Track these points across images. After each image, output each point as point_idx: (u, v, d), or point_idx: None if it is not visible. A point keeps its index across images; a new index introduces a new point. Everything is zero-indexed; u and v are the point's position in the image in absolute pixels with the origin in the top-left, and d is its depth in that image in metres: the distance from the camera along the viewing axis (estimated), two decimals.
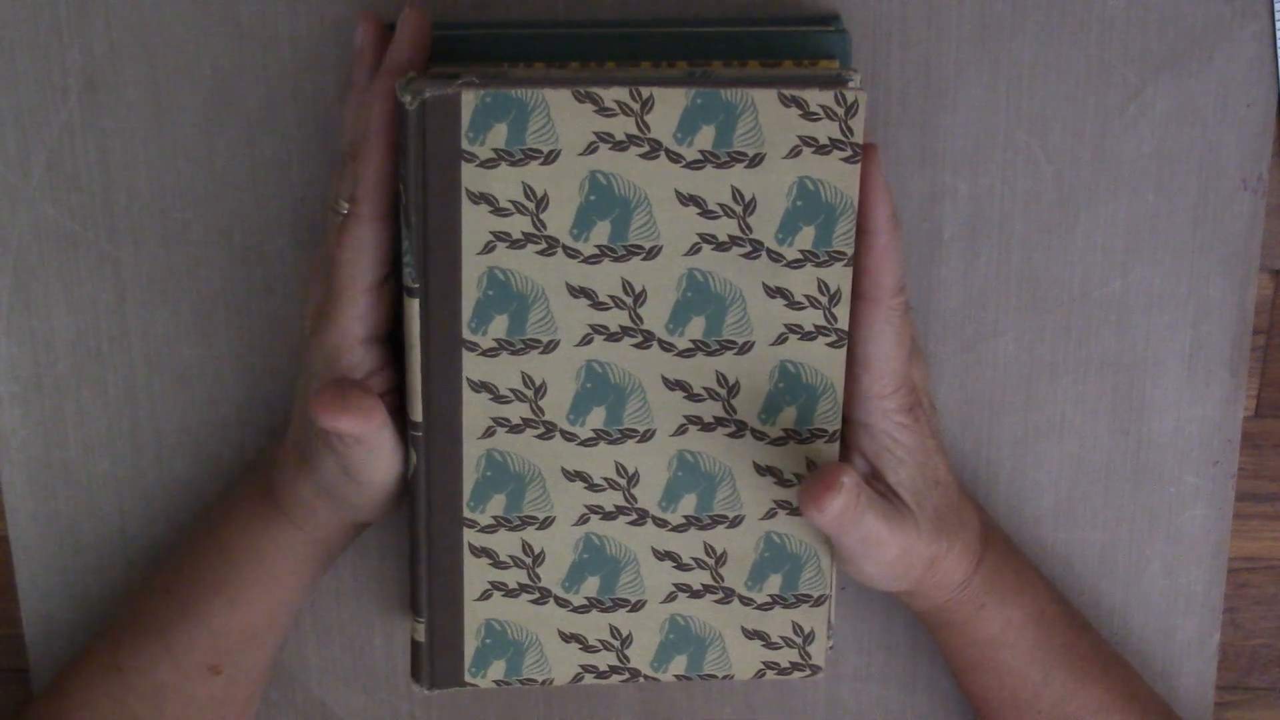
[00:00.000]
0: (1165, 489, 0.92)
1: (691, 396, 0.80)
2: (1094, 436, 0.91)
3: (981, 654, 0.88)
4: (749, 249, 0.77)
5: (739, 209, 0.76)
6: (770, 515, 0.82)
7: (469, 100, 0.73)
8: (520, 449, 0.80)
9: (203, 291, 0.88)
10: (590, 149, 0.75)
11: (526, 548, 0.82)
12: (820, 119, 0.75)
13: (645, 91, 0.74)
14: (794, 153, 0.76)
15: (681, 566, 0.83)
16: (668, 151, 0.75)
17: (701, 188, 0.76)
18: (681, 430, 0.80)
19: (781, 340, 0.79)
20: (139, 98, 0.84)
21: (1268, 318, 0.90)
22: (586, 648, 0.85)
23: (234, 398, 0.90)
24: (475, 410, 0.79)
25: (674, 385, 0.80)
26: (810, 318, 0.79)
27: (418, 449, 0.80)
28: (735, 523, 0.83)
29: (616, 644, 0.85)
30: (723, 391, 0.80)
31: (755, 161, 0.76)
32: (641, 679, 0.86)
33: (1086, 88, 0.85)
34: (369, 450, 0.79)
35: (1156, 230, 0.87)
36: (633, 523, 0.82)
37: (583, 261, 0.77)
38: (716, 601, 0.84)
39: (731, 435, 0.81)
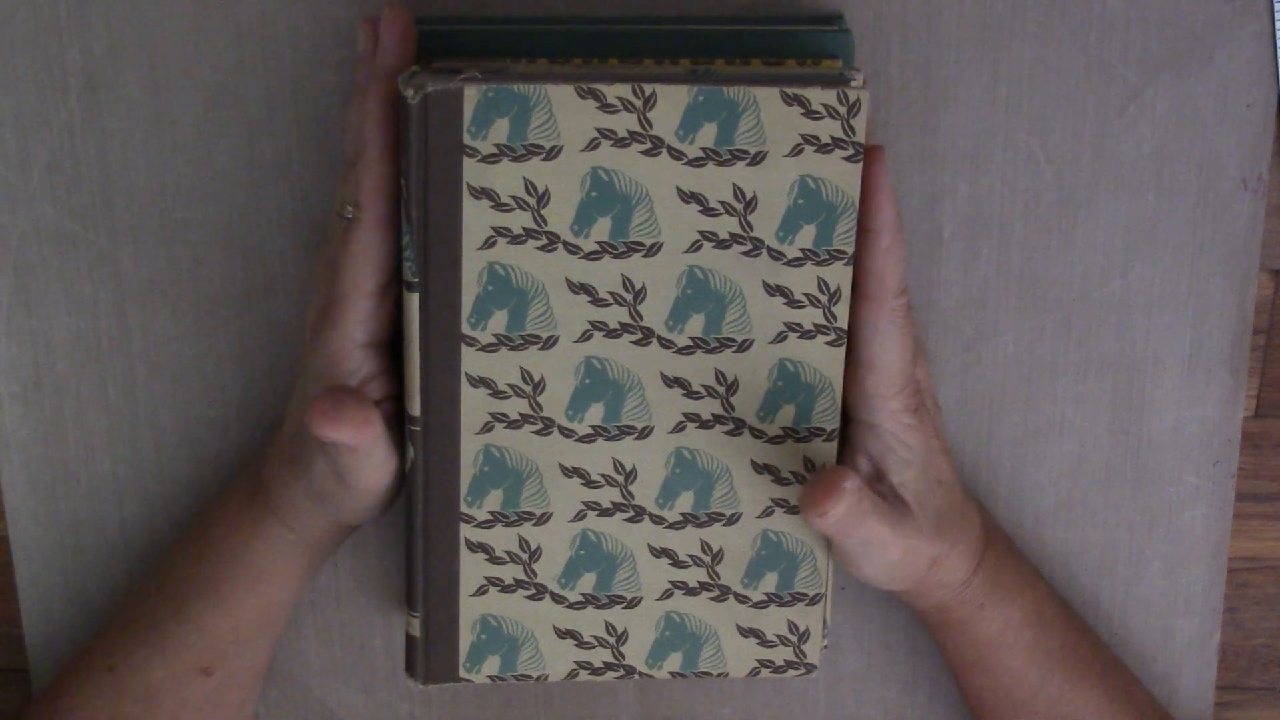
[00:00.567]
0: (1165, 489, 0.92)
1: (690, 394, 0.80)
2: (1094, 436, 0.91)
3: (980, 654, 0.88)
4: (749, 247, 0.77)
5: (740, 207, 0.76)
6: (767, 513, 0.82)
7: (471, 95, 0.73)
8: (518, 444, 0.80)
9: (203, 291, 0.88)
10: (592, 145, 0.75)
11: (523, 543, 0.82)
12: (822, 118, 0.75)
13: (648, 88, 0.74)
14: (795, 151, 0.76)
15: (678, 564, 0.83)
16: (669, 148, 0.75)
17: (703, 185, 0.76)
18: (680, 427, 0.80)
19: (781, 338, 0.79)
20: (139, 98, 0.84)
21: (1268, 318, 0.90)
22: (582, 644, 0.85)
23: (233, 398, 0.90)
24: (474, 405, 0.79)
25: (673, 382, 0.80)
26: (810, 316, 0.79)
27: (415, 443, 0.79)
28: (732, 520, 0.82)
29: (612, 640, 0.85)
30: (721, 389, 0.80)
31: (757, 159, 0.76)
32: (636, 676, 0.86)
33: (1086, 88, 0.85)
34: (363, 457, 0.79)
35: (1156, 230, 0.87)
36: (630, 519, 0.82)
37: (583, 258, 0.77)
38: (712, 599, 0.84)
39: (730, 433, 0.81)
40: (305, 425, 0.80)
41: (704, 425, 0.81)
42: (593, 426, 0.80)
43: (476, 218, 0.76)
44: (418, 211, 0.75)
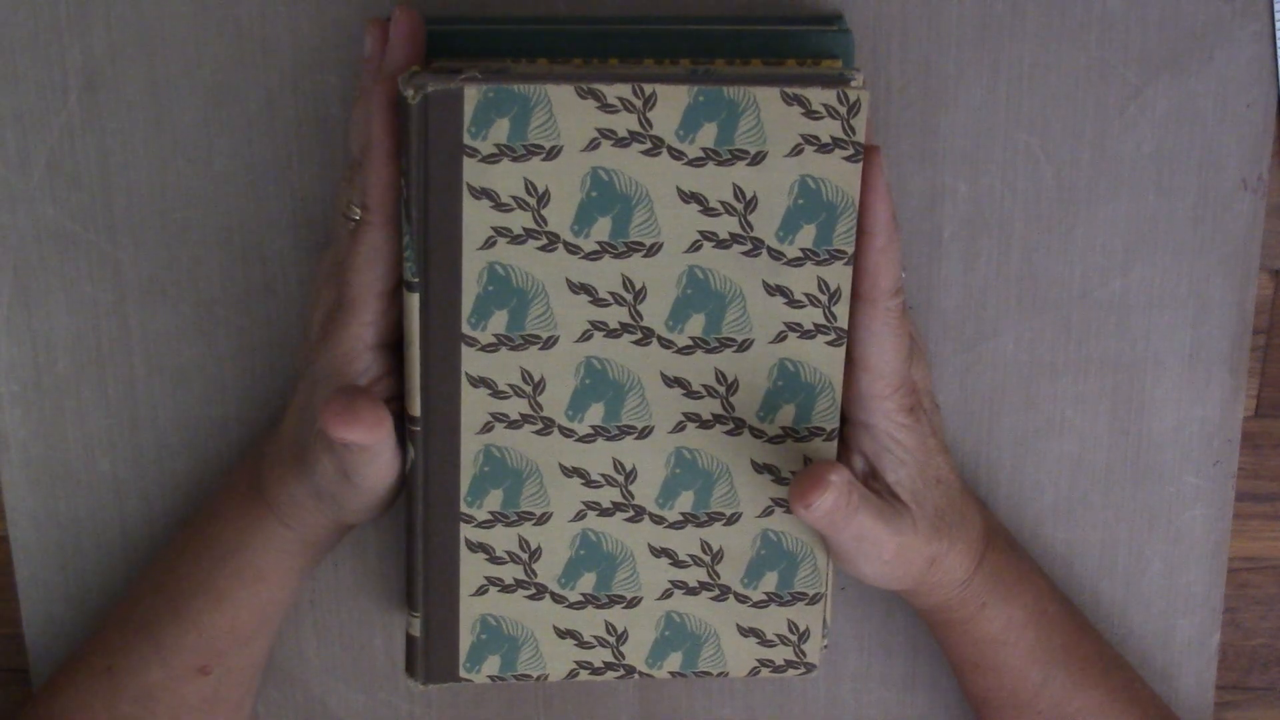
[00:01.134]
0: (1165, 489, 0.92)
1: (690, 393, 0.80)
2: (1094, 436, 0.91)
3: (982, 653, 0.88)
4: (749, 247, 0.77)
5: (740, 206, 0.76)
6: (767, 513, 0.82)
7: (471, 95, 0.73)
8: (518, 444, 0.80)
9: (203, 291, 0.88)
10: (592, 145, 0.75)
11: (523, 543, 0.82)
12: (822, 118, 0.75)
13: (648, 88, 0.74)
14: (796, 151, 0.76)
15: (678, 563, 0.83)
16: (669, 148, 0.75)
17: (703, 185, 0.76)
18: (680, 427, 0.80)
19: (781, 338, 0.79)
20: (139, 98, 0.84)
21: (1268, 318, 0.90)
22: (582, 644, 0.85)
23: (233, 397, 0.90)
24: (474, 405, 0.79)
25: (673, 382, 0.80)
26: (810, 316, 0.79)
27: (416, 444, 0.79)
28: (732, 520, 0.82)
29: (612, 640, 0.85)
30: (721, 389, 0.80)
31: (757, 159, 0.76)
32: (636, 676, 0.86)
33: (1086, 88, 0.85)
34: (371, 457, 0.79)
35: (1156, 230, 0.87)
36: (630, 519, 0.82)
37: (583, 258, 0.77)
38: (712, 599, 0.84)
39: (729, 433, 0.81)
40: (312, 426, 0.80)
41: (704, 425, 0.81)
42: (593, 426, 0.80)
43: (477, 218, 0.76)
44: (418, 211, 0.75)
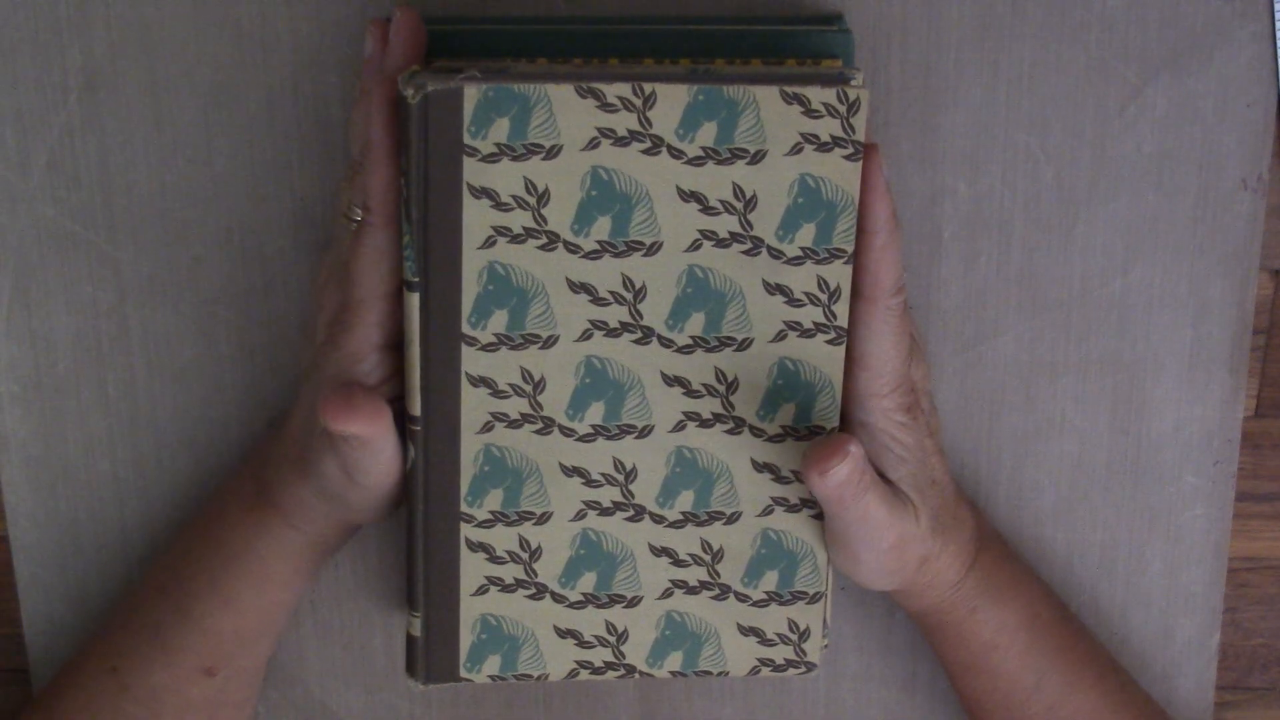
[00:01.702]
0: (1165, 489, 0.92)
1: (690, 393, 0.80)
2: (1094, 436, 0.91)
3: (975, 657, 0.88)
4: (749, 246, 0.77)
5: (740, 205, 0.76)
6: (767, 512, 0.82)
7: (471, 95, 0.73)
8: (518, 444, 0.80)
9: (203, 291, 0.88)
10: (592, 144, 0.75)
11: (523, 543, 0.82)
12: (822, 116, 0.75)
13: (648, 87, 0.74)
14: (795, 150, 0.76)
15: (678, 563, 0.83)
16: (669, 148, 0.75)
17: (703, 184, 0.76)
18: (680, 426, 0.80)
19: (781, 337, 0.79)
20: (139, 98, 0.84)
21: (1268, 318, 0.90)
22: (582, 643, 0.85)
23: (234, 398, 0.90)
24: (474, 405, 0.79)
25: (673, 381, 0.80)
26: (810, 315, 0.79)
27: (416, 443, 0.79)
28: (732, 519, 0.82)
29: (612, 640, 0.85)
30: (721, 388, 0.80)
31: (757, 158, 0.76)
32: (637, 675, 0.86)
33: (1086, 88, 0.85)
34: (373, 453, 0.79)
35: (1156, 230, 0.87)
36: (630, 519, 0.82)
37: (583, 257, 0.77)
38: (713, 598, 0.84)
39: (730, 432, 0.81)
40: (315, 424, 0.80)
41: (704, 424, 0.81)
42: (593, 426, 0.80)
43: (476, 217, 0.76)
44: (418, 211, 0.75)
